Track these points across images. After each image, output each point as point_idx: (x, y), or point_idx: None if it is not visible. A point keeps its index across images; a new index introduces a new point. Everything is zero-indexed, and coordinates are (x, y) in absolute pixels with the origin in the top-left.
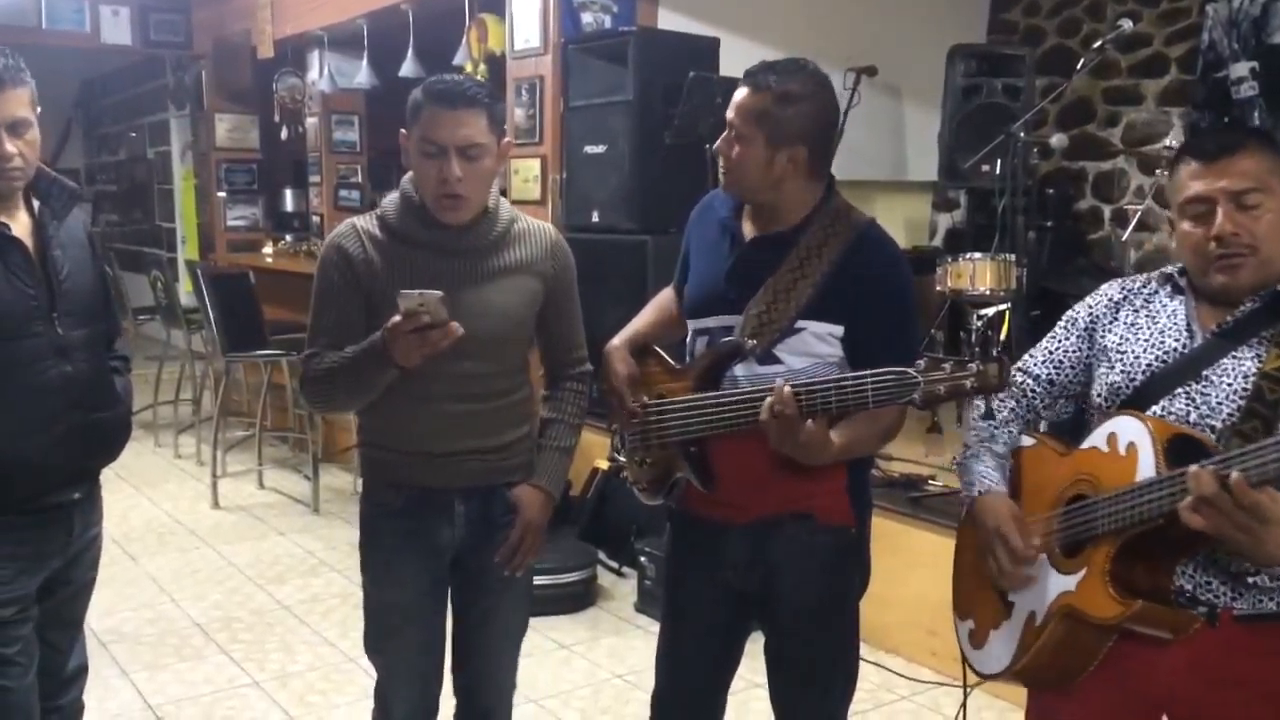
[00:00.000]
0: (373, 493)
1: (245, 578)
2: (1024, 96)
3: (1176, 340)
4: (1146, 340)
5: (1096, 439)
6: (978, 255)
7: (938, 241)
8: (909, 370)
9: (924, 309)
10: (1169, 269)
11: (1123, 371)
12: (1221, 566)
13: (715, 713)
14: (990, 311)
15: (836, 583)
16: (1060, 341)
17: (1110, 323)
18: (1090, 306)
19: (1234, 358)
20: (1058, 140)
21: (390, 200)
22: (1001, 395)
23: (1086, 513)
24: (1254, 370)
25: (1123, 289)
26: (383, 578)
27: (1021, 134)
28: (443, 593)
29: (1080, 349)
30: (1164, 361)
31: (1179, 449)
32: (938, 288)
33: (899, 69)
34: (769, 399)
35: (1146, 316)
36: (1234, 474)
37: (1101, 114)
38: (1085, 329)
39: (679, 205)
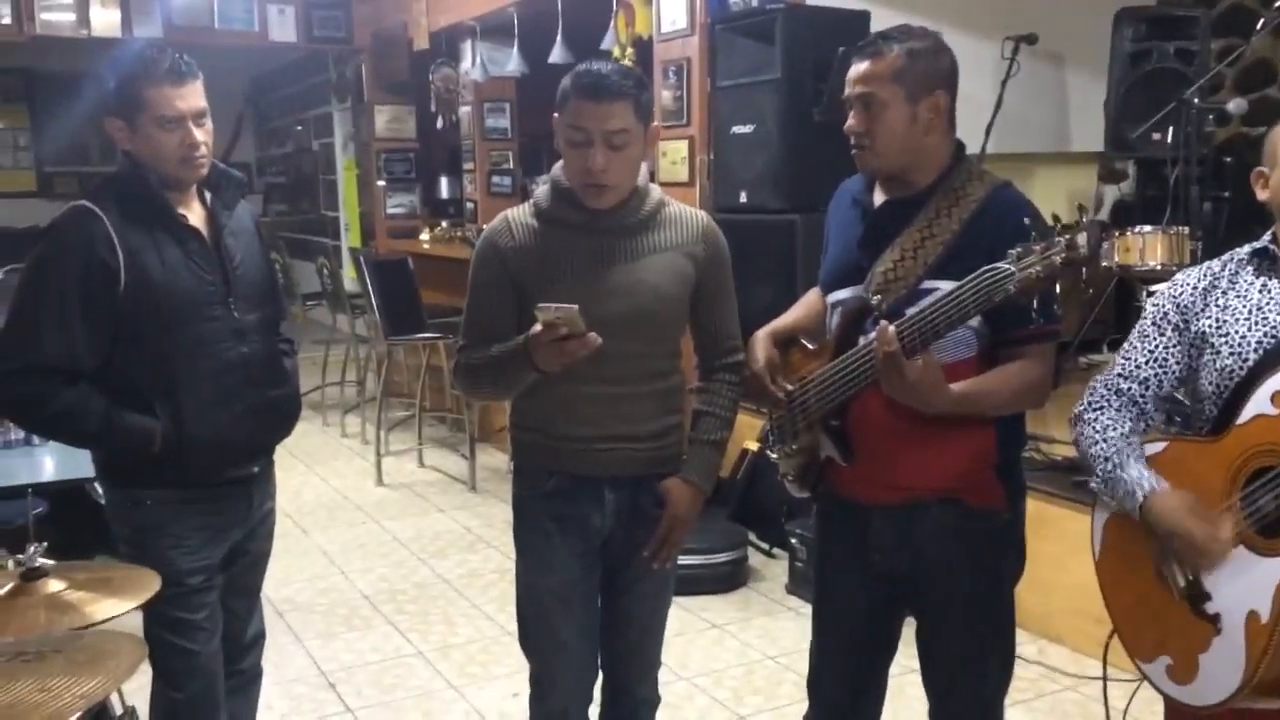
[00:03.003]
0: (524, 474)
1: (408, 552)
2: (1198, 60)
3: (1279, 314)
4: (1248, 320)
5: (1258, 406)
6: (1148, 228)
7: (1104, 215)
8: (999, 264)
9: (1089, 283)
10: (1250, 247)
11: (1232, 354)
12: None
13: (873, 697)
14: (1161, 287)
15: (988, 568)
16: (1156, 339)
17: (1201, 309)
18: (1175, 298)
19: None
20: (1236, 105)
21: (542, 189)
22: (1116, 405)
23: None
24: None
25: (1204, 275)
26: (537, 560)
27: (1196, 100)
28: (595, 578)
29: (1181, 342)
30: (1273, 337)
31: None
32: (1104, 263)
33: (1061, 36)
34: (876, 343)
35: (1237, 297)
36: None
37: None
38: (1178, 322)
39: (828, 183)
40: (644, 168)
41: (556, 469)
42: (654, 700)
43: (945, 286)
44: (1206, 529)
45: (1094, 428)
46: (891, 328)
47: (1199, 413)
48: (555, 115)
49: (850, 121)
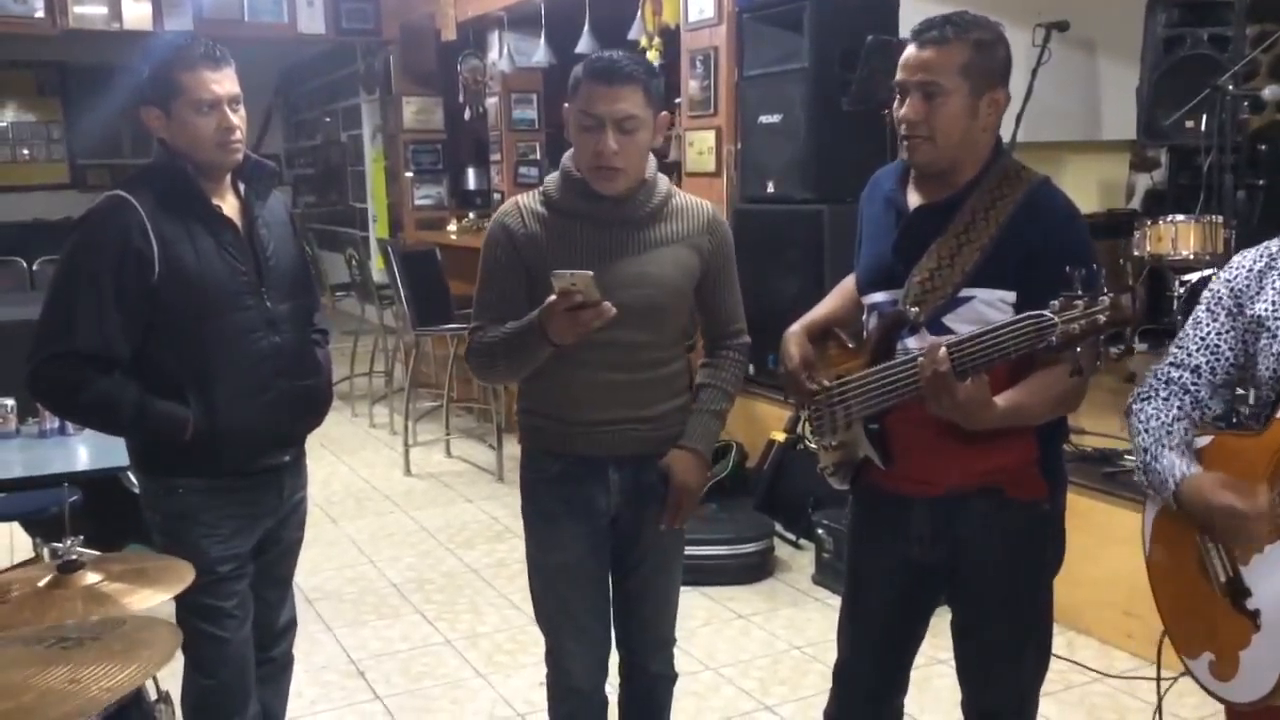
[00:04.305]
0: (531, 459)
1: (436, 541)
2: (1232, 46)
3: None
4: None
5: None
6: (1181, 217)
7: (1135, 204)
8: (1044, 312)
9: (1118, 277)
10: None
11: None
12: None
13: (898, 687)
14: (1194, 277)
15: (1028, 558)
16: (1209, 325)
17: (1257, 293)
18: (1229, 282)
19: None
20: (1271, 92)
21: (552, 177)
22: (1164, 394)
23: None
24: None
25: (1260, 256)
26: (546, 541)
27: (1230, 87)
28: (604, 556)
29: (1234, 327)
30: None
31: None
32: (1135, 252)
33: (1093, 22)
34: (922, 359)
35: None
36: None
37: None
38: (1231, 306)
39: (856, 173)
40: (652, 160)
41: (562, 452)
42: (670, 676)
43: (983, 294)
44: (1241, 499)
45: (1139, 418)
46: (943, 349)
47: (1259, 399)
48: (566, 105)
49: (905, 110)
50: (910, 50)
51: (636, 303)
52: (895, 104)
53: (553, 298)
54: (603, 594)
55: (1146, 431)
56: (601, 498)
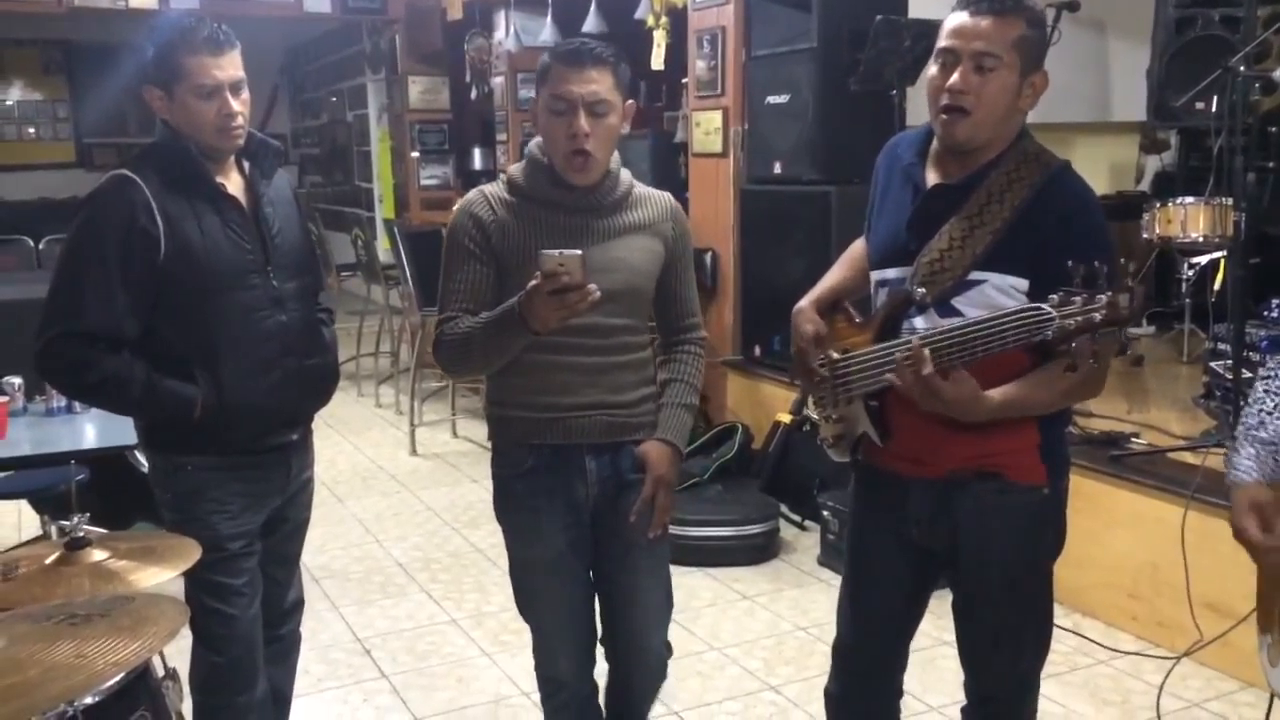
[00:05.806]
0: (504, 454)
1: (442, 521)
2: (1245, 28)
3: None
4: None
5: None
6: (1190, 199)
7: (1145, 186)
8: (1043, 306)
9: (1129, 257)
10: None
11: None
12: None
13: (897, 665)
14: (1203, 260)
15: (1027, 544)
16: None
17: None
18: None
19: None
20: None
21: (516, 167)
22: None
23: None
24: None
25: None
26: (524, 536)
27: (1241, 68)
28: (584, 551)
29: None
30: None
31: None
32: (1144, 235)
33: (1103, 3)
34: (898, 354)
35: None
36: None
37: None
38: None
39: (864, 154)
40: (615, 153)
41: (536, 442)
42: (661, 673)
43: (995, 279)
44: (1259, 527)
45: (1250, 398)
46: (927, 350)
47: None
48: (533, 97)
49: (955, 79)
50: (964, 18)
51: (615, 286)
52: (935, 72)
53: (535, 281)
54: (584, 588)
55: (1245, 416)
56: (580, 487)
